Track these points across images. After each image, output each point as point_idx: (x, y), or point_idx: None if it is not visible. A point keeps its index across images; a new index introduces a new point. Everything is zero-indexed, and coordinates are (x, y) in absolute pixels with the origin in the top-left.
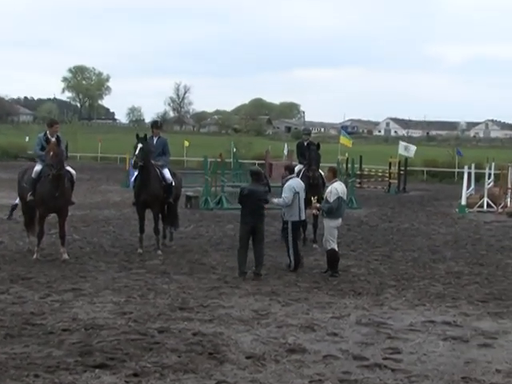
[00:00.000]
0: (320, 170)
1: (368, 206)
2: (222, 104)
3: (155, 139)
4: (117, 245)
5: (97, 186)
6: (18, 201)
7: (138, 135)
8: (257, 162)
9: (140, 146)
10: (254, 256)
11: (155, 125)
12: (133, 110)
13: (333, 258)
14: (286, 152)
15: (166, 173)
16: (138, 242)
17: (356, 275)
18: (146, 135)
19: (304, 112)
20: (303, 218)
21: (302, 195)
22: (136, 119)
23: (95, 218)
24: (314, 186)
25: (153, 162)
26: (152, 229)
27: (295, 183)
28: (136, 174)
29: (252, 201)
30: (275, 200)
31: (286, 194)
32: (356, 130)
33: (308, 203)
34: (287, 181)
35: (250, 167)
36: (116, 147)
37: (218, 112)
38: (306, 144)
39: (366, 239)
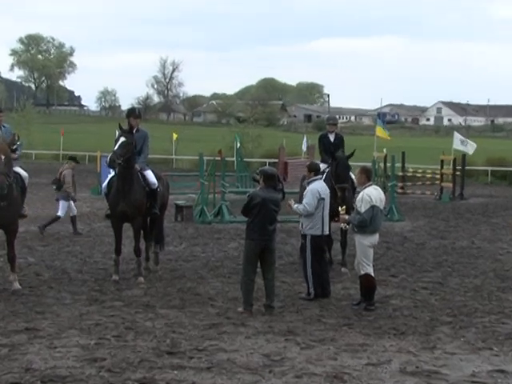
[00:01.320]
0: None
1: (413, 217)
2: (221, 86)
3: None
4: (85, 270)
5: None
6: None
7: (121, 127)
8: (268, 160)
9: (122, 139)
10: (264, 283)
11: (132, 113)
12: (105, 94)
13: (367, 285)
14: (305, 147)
15: (150, 176)
16: (113, 266)
17: (398, 308)
18: (131, 127)
19: (328, 95)
20: (327, 232)
21: (328, 202)
22: (109, 106)
23: (56, 235)
24: (341, 192)
25: (136, 164)
26: (132, 249)
27: (320, 187)
28: (111, 176)
29: (263, 212)
30: (294, 205)
31: (309, 200)
32: (397, 119)
33: (334, 214)
34: (310, 183)
35: (259, 168)
36: (83, 142)
37: (216, 96)
38: (330, 137)
39: (411, 261)
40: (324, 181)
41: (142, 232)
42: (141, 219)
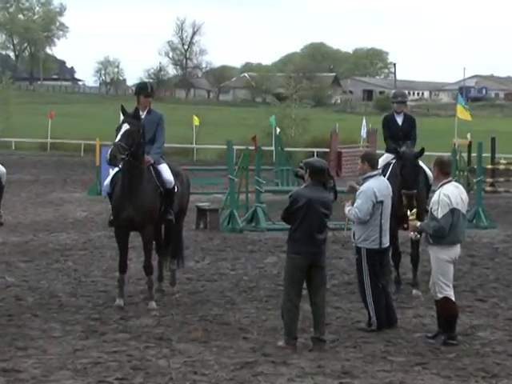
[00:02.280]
0: (422, 164)
1: (507, 223)
2: (255, 54)
3: (143, 114)
4: (80, 293)
5: (46, 193)
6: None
7: (124, 109)
8: (316, 150)
9: (126, 127)
10: (312, 310)
11: (143, 90)
12: (105, 66)
13: (447, 312)
14: (364, 133)
15: (164, 171)
16: (117, 287)
17: (488, 343)
18: (137, 109)
19: (395, 65)
20: (386, 244)
21: (389, 206)
22: (111, 80)
23: (43, 248)
24: (411, 184)
25: (146, 156)
26: (141, 265)
27: (378, 186)
28: (114, 171)
29: (310, 217)
30: (347, 208)
31: (361, 204)
32: (485, 94)
33: (401, 220)
34: (365, 181)
35: (304, 160)
36: (78, 128)
37: (249, 67)
38: (398, 119)
39: (505, 281)
40: (389, 178)
41: (154, 244)
42: (153, 227)
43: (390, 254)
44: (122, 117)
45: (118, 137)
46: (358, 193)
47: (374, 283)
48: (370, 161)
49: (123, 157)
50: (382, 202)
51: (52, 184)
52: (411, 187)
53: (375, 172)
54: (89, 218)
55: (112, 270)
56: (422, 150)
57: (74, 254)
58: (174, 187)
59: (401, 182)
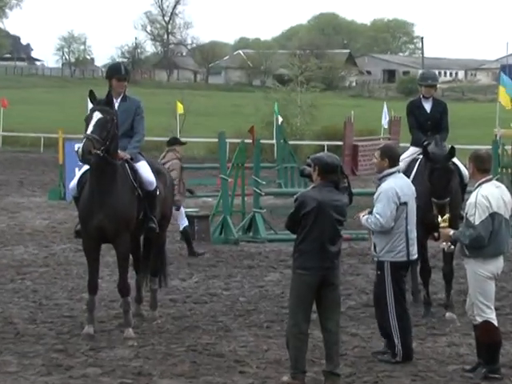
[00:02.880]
0: (455, 160)
1: None
2: (252, 27)
3: (116, 102)
4: (41, 318)
5: None
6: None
7: (92, 94)
8: (326, 143)
9: (97, 115)
10: (324, 338)
11: (116, 73)
12: (69, 42)
13: (488, 340)
14: (385, 121)
15: (144, 170)
16: (86, 311)
17: None
18: (110, 93)
19: (422, 39)
20: (415, 255)
21: (414, 209)
22: (76, 60)
23: None
24: (442, 192)
25: (120, 152)
26: (115, 285)
27: (399, 184)
28: (82, 172)
29: (320, 224)
30: (363, 216)
31: (382, 209)
32: None
33: (430, 228)
34: (382, 180)
35: (311, 155)
36: (37, 118)
37: (244, 43)
38: (426, 105)
39: None
40: (416, 177)
41: (130, 258)
42: (129, 238)
43: (418, 268)
44: (90, 104)
45: (90, 128)
46: (375, 195)
47: (399, 304)
48: (391, 156)
49: (98, 152)
50: (406, 204)
51: (5, 187)
52: (442, 196)
53: (394, 169)
54: (50, 227)
55: (79, 291)
56: (453, 150)
57: (32, 272)
58: (155, 189)
59: (430, 189)
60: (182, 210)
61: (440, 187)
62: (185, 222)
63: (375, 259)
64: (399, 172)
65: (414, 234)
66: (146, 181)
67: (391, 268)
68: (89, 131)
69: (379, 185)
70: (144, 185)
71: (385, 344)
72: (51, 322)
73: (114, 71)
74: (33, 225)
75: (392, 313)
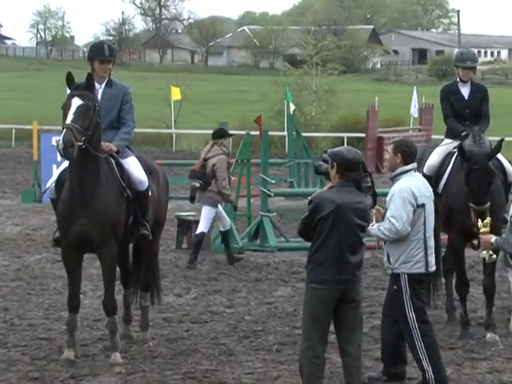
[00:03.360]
0: (498, 155)
1: None
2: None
3: (100, 87)
4: (14, 341)
5: None
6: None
7: (70, 77)
8: (346, 135)
9: (77, 102)
10: (344, 363)
11: (98, 54)
12: (44, 18)
13: None
14: (415, 109)
15: (133, 167)
16: (66, 333)
17: None
18: (90, 75)
19: (458, 13)
20: (433, 267)
21: (432, 213)
22: (53, 39)
23: None
24: (481, 197)
25: (104, 143)
26: (100, 301)
27: (415, 184)
28: (62, 170)
29: (338, 230)
30: (373, 227)
31: (397, 212)
32: None
33: (468, 235)
34: (396, 180)
35: (328, 149)
36: (7, 107)
37: (250, 19)
38: (463, 90)
39: None
40: (451, 174)
41: (118, 271)
42: (116, 247)
43: (454, 282)
44: (68, 89)
45: (70, 116)
46: (388, 197)
47: (422, 322)
48: (405, 152)
49: (80, 144)
50: (423, 206)
51: None
52: (482, 202)
53: (410, 167)
54: (24, 234)
55: (58, 309)
56: (499, 145)
57: (3, 287)
58: (147, 189)
59: (468, 193)
60: (221, 208)
61: (479, 192)
62: (227, 223)
63: (389, 271)
64: (415, 170)
65: (432, 242)
66: (135, 179)
67: (408, 281)
68: (68, 120)
69: (392, 184)
70: (133, 184)
71: (382, 369)
72: (25, 346)
73: (97, 52)
74: (3, 232)
75: (416, 332)
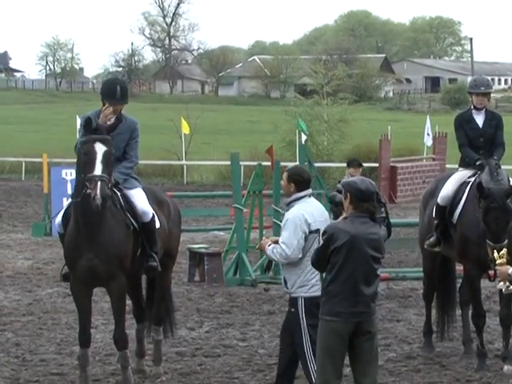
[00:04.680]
0: None
1: None
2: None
3: (110, 122)
4: (25, 377)
5: None
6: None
7: (88, 121)
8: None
9: (102, 148)
10: None
11: (110, 96)
12: (54, 49)
13: None
14: (429, 138)
15: (138, 199)
16: (78, 368)
17: None
18: (89, 120)
19: (471, 40)
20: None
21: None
22: (62, 71)
23: None
24: (499, 236)
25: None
26: (111, 335)
27: (308, 210)
28: (68, 204)
29: (354, 262)
30: (269, 247)
31: (288, 237)
32: None
33: (484, 265)
34: (290, 206)
35: (342, 179)
36: (17, 140)
37: (260, 48)
38: (478, 118)
39: None
40: (466, 204)
41: (129, 304)
42: (125, 280)
43: (470, 313)
44: (80, 130)
45: (99, 166)
46: (282, 223)
47: (315, 344)
48: (297, 180)
49: (109, 192)
50: (317, 232)
51: None
52: (499, 239)
53: (304, 193)
54: (35, 268)
55: (70, 344)
56: (500, 119)
57: (14, 322)
58: (152, 220)
59: (485, 230)
60: None
61: (497, 230)
62: None
63: (288, 293)
64: (310, 196)
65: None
66: (139, 210)
67: (305, 305)
68: (99, 171)
69: (287, 210)
70: (140, 217)
71: None
72: (37, 381)
73: (108, 95)
74: (14, 266)
75: (309, 355)
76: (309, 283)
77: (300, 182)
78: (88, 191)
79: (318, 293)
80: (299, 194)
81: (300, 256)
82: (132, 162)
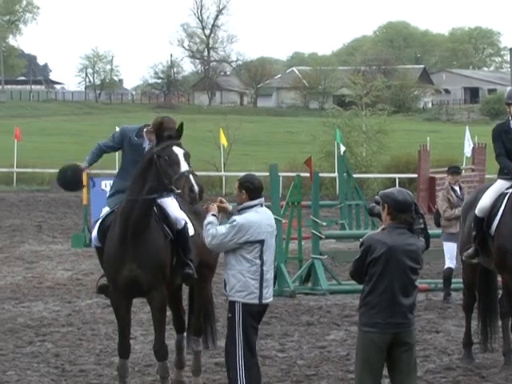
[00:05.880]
0: None
1: None
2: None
3: (146, 144)
4: None
5: (12, 244)
6: (450, 261)
7: (160, 126)
8: (398, 176)
9: (181, 151)
10: None
11: (163, 128)
12: (93, 62)
13: None
14: (468, 149)
15: (170, 207)
16: (117, 379)
17: None
18: (182, 124)
19: (511, 50)
20: (269, 298)
21: (272, 247)
22: (102, 83)
23: (10, 324)
24: None
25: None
26: (151, 346)
27: (256, 220)
28: (104, 216)
29: (390, 272)
30: (210, 217)
31: (223, 234)
32: None
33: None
34: (241, 213)
35: (380, 191)
36: (57, 151)
37: (299, 59)
38: None
39: None
40: (503, 215)
41: (169, 315)
42: (164, 291)
43: (510, 325)
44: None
45: (184, 163)
46: (230, 220)
47: (248, 354)
48: (248, 188)
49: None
50: (261, 242)
51: (20, 232)
52: None
53: (255, 202)
54: (74, 279)
55: (109, 354)
56: None
57: (54, 333)
58: (185, 227)
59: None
60: (450, 245)
61: None
62: (452, 262)
63: (227, 297)
64: (261, 205)
65: (270, 275)
66: (173, 218)
67: (242, 310)
68: (185, 167)
69: (234, 215)
70: (173, 225)
71: None
72: None
73: (161, 126)
74: (53, 277)
75: (240, 361)
76: (248, 289)
77: (251, 189)
78: (178, 191)
79: (256, 301)
80: (251, 202)
81: (224, 242)
82: None
